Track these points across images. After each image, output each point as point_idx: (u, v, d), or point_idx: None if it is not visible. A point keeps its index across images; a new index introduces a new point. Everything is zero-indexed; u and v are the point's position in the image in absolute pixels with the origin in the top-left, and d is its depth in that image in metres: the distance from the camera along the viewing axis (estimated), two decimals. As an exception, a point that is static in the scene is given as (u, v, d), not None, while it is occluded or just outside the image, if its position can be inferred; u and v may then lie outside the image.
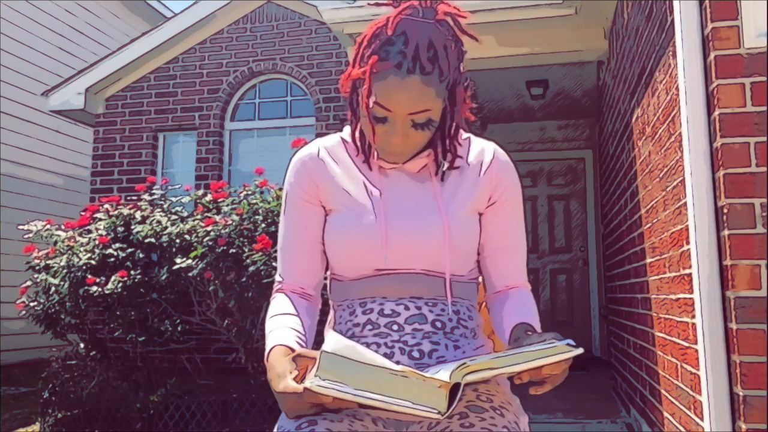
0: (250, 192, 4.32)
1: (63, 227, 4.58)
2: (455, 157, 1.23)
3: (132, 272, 4.15)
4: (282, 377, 1.02)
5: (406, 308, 1.18)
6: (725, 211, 1.89)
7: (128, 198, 5.21)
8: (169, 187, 4.96)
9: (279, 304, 1.23)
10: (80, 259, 4.17)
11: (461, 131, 1.25)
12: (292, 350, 1.10)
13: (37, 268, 4.37)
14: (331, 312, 1.29)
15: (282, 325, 1.17)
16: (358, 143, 1.24)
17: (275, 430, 1.07)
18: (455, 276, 1.21)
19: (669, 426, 2.67)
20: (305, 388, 0.95)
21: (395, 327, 1.18)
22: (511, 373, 0.97)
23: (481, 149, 1.27)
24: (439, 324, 1.18)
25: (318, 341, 1.09)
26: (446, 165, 1.23)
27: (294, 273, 1.26)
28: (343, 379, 0.93)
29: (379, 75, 1.08)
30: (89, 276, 4.10)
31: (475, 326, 1.24)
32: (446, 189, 1.23)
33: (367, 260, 1.18)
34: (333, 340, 0.97)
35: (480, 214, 1.25)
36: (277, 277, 1.28)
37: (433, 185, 1.22)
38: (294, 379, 1.01)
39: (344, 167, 1.25)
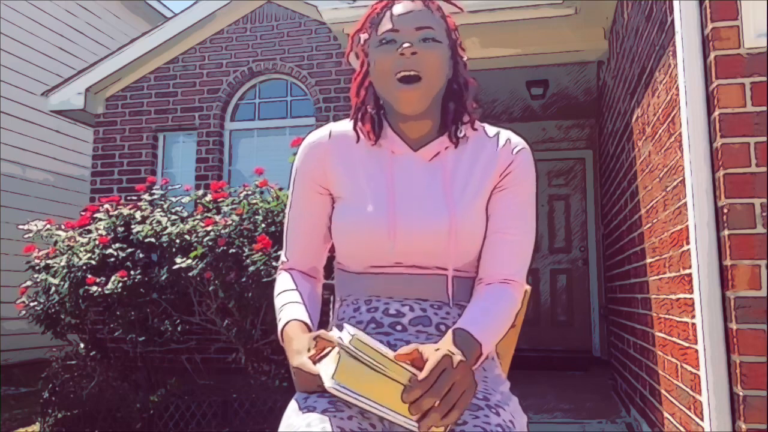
0: (250, 192, 4.32)
1: (63, 227, 4.57)
2: (471, 118, 1.23)
3: (132, 272, 4.14)
4: (300, 353, 1.07)
5: (411, 309, 1.18)
6: (725, 211, 1.89)
7: (128, 198, 5.21)
8: (169, 187, 4.94)
9: (286, 280, 1.28)
10: (80, 259, 4.16)
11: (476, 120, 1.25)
12: (309, 328, 1.16)
13: (37, 268, 4.37)
14: (336, 305, 1.29)
15: (293, 300, 1.22)
16: (367, 128, 1.23)
17: (285, 417, 1.08)
18: (459, 271, 1.20)
19: (669, 426, 2.67)
20: (322, 384, 0.98)
21: (399, 327, 1.18)
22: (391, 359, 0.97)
23: (495, 136, 1.25)
24: (443, 327, 1.18)
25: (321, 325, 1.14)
26: (462, 131, 1.22)
27: (298, 255, 1.31)
28: (356, 383, 0.95)
29: (381, 14, 1.21)
30: (89, 276, 4.10)
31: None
32: (457, 180, 1.20)
33: (373, 250, 1.18)
34: (356, 340, 0.95)
35: (488, 201, 1.22)
36: (282, 257, 1.32)
37: (444, 176, 1.20)
38: (310, 357, 1.05)
39: (354, 153, 1.24)
